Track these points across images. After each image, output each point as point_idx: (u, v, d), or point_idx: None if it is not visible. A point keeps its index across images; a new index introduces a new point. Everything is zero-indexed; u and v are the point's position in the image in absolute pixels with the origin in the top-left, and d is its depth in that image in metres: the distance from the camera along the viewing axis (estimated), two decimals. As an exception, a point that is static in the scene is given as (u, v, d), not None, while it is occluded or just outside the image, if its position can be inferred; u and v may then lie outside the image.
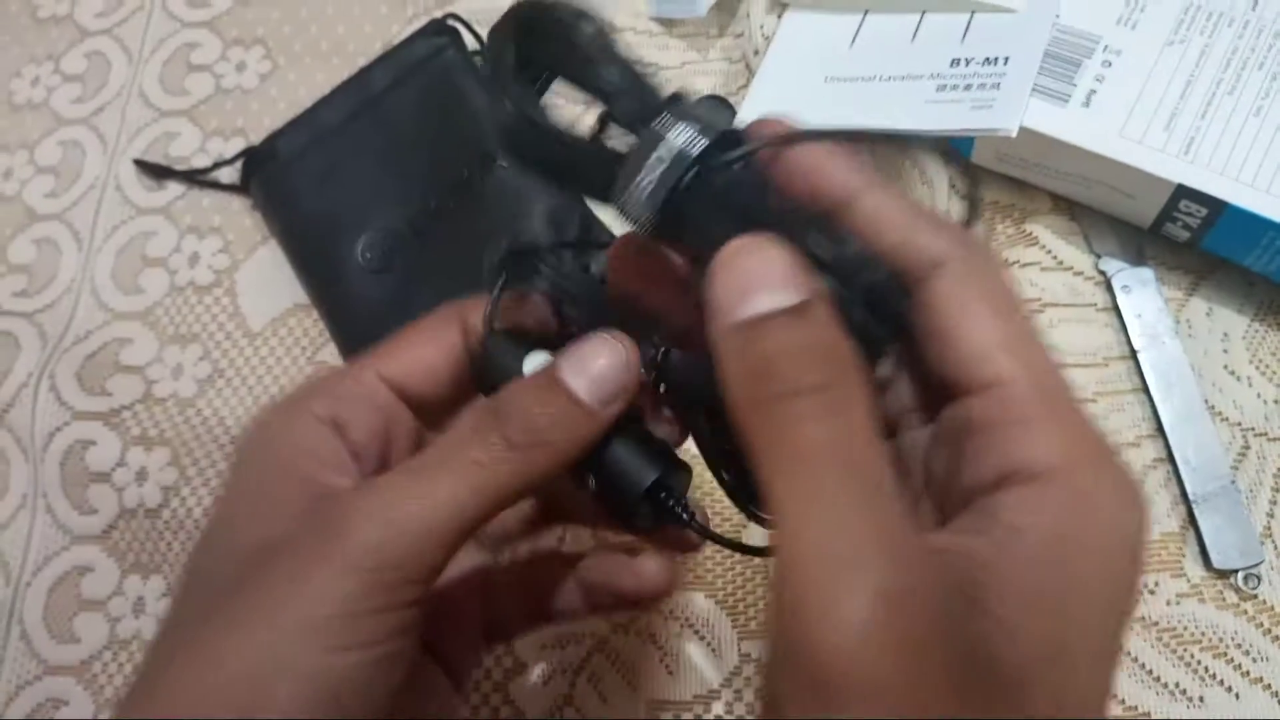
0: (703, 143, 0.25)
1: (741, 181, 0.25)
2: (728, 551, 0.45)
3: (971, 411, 0.23)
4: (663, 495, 0.28)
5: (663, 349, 0.28)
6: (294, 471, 0.28)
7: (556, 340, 0.29)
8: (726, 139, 0.25)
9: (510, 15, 0.27)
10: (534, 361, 0.29)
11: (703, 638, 0.44)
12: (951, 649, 0.19)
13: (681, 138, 0.25)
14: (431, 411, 0.31)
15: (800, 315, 0.21)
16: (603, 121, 0.27)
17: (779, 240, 0.22)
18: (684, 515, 0.28)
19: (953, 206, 0.48)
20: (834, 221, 0.24)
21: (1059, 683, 0.20)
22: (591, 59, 0.26)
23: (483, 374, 0.30)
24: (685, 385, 0.28)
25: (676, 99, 0.26)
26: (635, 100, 0.26)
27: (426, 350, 0.31)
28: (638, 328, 0.28)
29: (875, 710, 0.18)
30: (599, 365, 0.27)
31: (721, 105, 0.27)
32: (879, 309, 0.23)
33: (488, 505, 0.26)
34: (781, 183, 0.25)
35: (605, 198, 0.26)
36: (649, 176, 0.25)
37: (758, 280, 0.22)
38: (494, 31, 0.27)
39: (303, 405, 0.29)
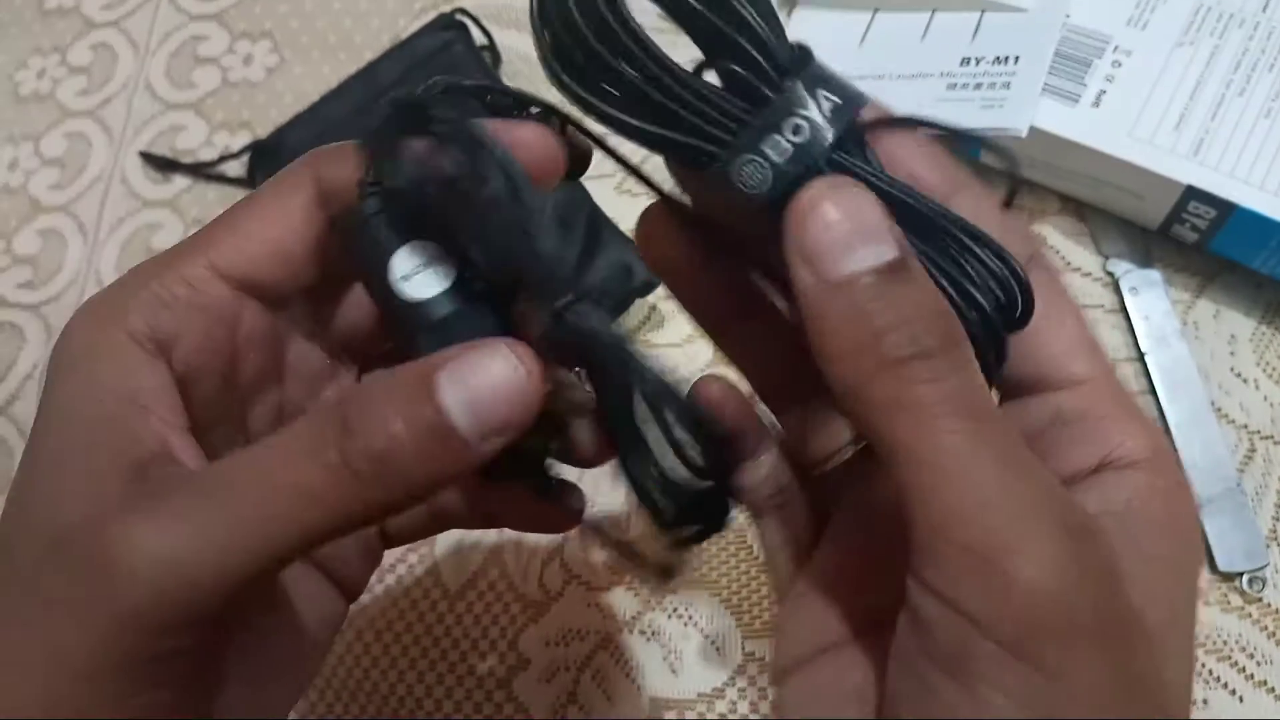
0: (841, 123, 0.21)
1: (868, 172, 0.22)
2: (732, 551, 0.45)
3: (1063, 404, 0.24)
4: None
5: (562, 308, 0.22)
6: (102, 428, 0.22)
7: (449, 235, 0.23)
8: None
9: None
10: (409, 262, 0.23)
11: (707, 636, 0.44)
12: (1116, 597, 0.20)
13: (818, 114, 0.21)
14: (294, 305, 0.26)
15: (903, 272, 0.20)
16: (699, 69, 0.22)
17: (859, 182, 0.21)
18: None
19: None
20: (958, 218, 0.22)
21: (1177, 647, 0.21)
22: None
23: (356, 257, 0.24)
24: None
25: (807, 55, 0.22)
26: (762, 48, 0.22)
27: (273, 226, 0.24)
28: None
29: (1079, 645, 0.19)
30: (488, 383, 0.21)
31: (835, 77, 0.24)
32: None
33: (307, 542, 0.21)
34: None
35: (694, 158, 0.22)
36: (776, 152, 0.21)
37: (854, 231, 0.20)
38: None
39: (113, 321, 0.23)
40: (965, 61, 0.45)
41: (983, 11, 0.47)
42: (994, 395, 0.25)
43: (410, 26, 0.58)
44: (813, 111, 0.21)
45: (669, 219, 0.26)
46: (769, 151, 0.21)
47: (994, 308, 0.22)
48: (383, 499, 0.21)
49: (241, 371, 0.25)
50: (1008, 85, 0.44)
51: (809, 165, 0.21)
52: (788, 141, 0.21)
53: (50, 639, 0.21)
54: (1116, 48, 0.45)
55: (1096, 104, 0.44)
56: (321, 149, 0.25)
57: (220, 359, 0.25)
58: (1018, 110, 0.43)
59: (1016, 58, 0.44)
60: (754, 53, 0.21)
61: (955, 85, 0.45)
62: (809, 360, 0.23)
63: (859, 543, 0.26)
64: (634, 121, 0.22)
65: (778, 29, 0.22)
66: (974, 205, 0.23)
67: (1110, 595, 0.20)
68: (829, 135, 0.21)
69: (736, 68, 0.21)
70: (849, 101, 0.22)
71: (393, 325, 0.24)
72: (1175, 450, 0.43)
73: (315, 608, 0.29)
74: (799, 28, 0.50)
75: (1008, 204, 0.24)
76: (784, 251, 0.21)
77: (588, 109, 0.22)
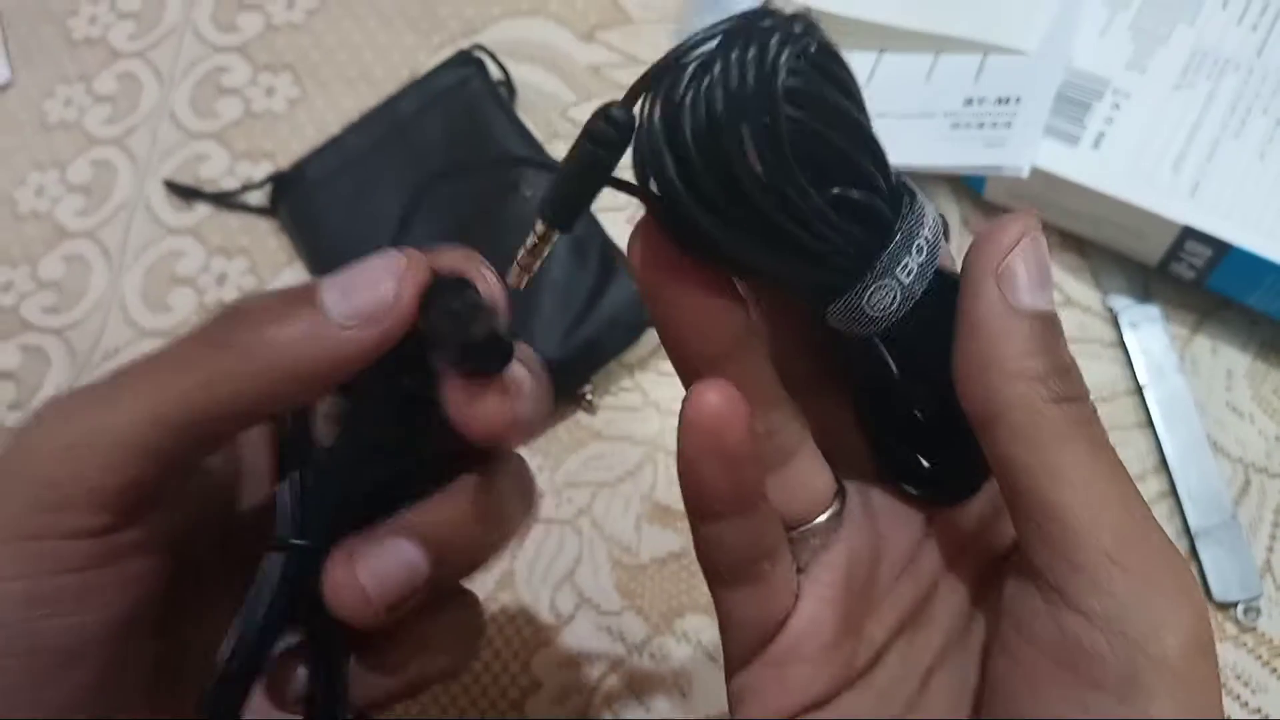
0: (941, 234, 0.23)
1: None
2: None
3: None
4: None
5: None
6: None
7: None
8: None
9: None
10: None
11: (714, 660, 0.45)
12: None
13: (929, 231, 0.22)
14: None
15: (1059, 325, 0.23)
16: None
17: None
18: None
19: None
20: None
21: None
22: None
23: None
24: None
25: (900, 174, 0.22)
26: (884, 170, 0.22)
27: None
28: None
29: (1210, 663, 0.21)
30: (361, 275, 0.24)
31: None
32: None
33: (179, 422, 0.23)
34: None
35: (818, 290, 0.22)
36: (905, 274, 0.22)
37: (1042, 272, 0.22)
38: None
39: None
40: (969, 102, 0.47)
41: (986, 54, 0.48)
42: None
43: (429, 61, 0.59)
44: (927, 231, 0.22)
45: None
46: (900, 275, 0.22)
47: None
48: (251, 373, 0.23)
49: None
50: (1009, 125, 0.45)
51: (930, 280, 0.22)
52: (914, 263, 0.22)
53: None
54: (1116, 90, 0.47)
55: (1096, 145, 0.46)
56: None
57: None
58: (1019, 150, 0.44)
59: (1018, 99, 0.46)
60: (881, 182, 0.21)
61: (959, 124, 0.46)
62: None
63: (836, 607, 0.26)
64: (755, 256, 0.21)
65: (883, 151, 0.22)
66: None
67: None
68: (940, 247, 0.22)
69: (856, 194, 0.21)
70: (938, 213, 0.23)
71: None
72: (1173, 482, 0.44)
73: None
74: (807, 67, 0.52)
75: None
76: (971, 268, 0.22)
77: (700, 236, 0.20)
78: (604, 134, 0.20)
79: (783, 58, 0.19)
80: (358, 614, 0.25)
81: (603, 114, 0.20)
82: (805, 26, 0.20)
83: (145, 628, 0.25)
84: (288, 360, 0.23)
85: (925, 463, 0.26)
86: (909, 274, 0.22)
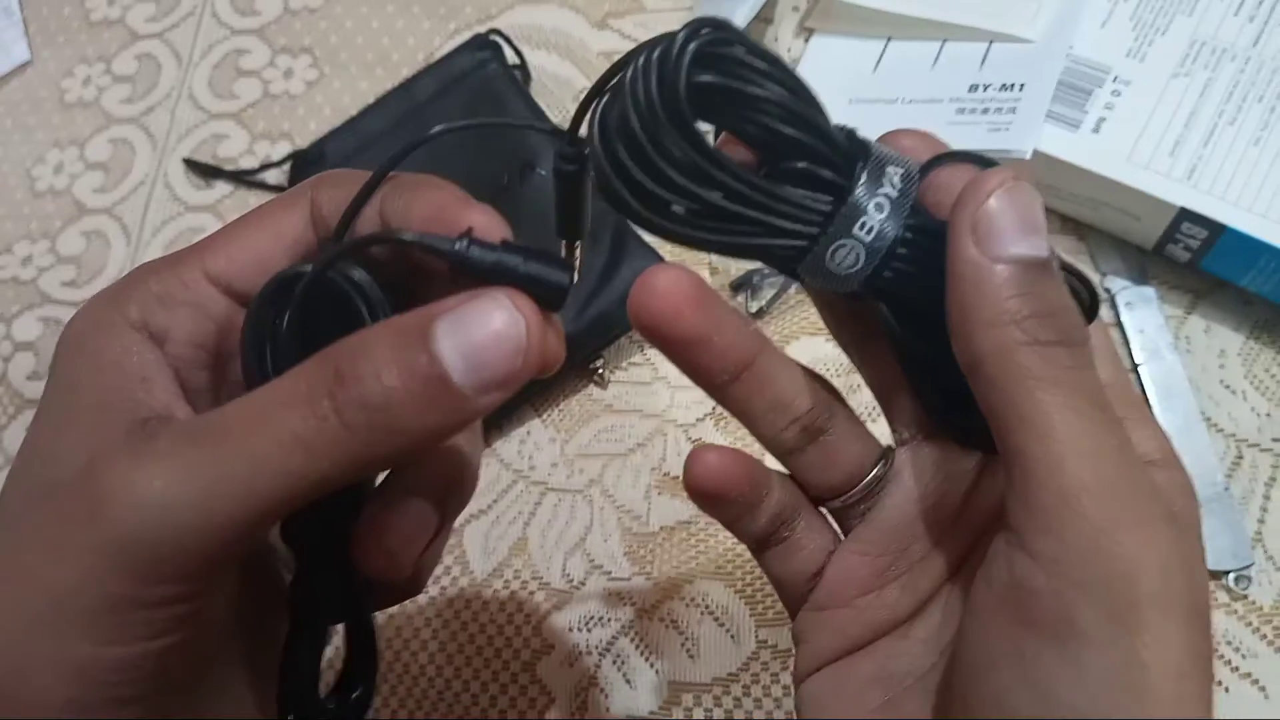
0: (911, 191, 0.23)
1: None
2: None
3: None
4: None
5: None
6: (102, 392, 0.23)
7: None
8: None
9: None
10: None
11: (722, 624, 0.46)
12: None
13: (891, 188, 0.23)
14: None
15: (1051, 270, 0.22)
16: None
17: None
18: None
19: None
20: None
21: None
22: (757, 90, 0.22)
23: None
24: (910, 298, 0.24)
25: (857, 137, 0.24)
26: (829, 142, 0.23)
27: (263, 241, 0.25)
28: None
29: (1172, 620, 0.21)
30: (488, 336, 0.21)
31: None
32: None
33: (297, 494, 0.21)
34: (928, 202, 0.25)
35: (784, 257, 0.24)
36: (865, 232, 0.23)
37: (1022, 220, 0.22)
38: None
39: (113, 306, 0.24)
40: (973, 88, 0.48)
41: (991, 42, 0.50)
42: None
43: (445, 45, 0.61)
44: (888, 187, 0.23)
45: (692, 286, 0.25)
46: (859, 234, 0.23)
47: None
48: (375, 450, 0.21)
49: (230, 370, 0.25)
50: (1013, 110, 0.47)
51: (896, 236, 0.23)
52: (874, 221, 0.23)
53: (35, 577, 0.20)
54: (1116, 78, 0.48)
55: (1096, 130, 0.47)
56: (325, 174, 0.26)
57: (207, 354, 0.25)
58: (1023, 134, 0.46)
59: (1022, 85, 0.47)
60: (824, 148, 0.23)
61: (964, 110, 0.48)
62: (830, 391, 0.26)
63: (869, 559, 0.28)
64: (721, 238, 0.23)
65: (828, 118, 0.23)
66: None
67: (1197, 579, 0.22)
68: (906, 204, 0.23)
69: (804, 164, 0.23)
70: (909, 169, 0.24)
71: None
72: (1167, 456, 0.46)
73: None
74: (817, 54, 0.53)
75: None
76: (952, 221, 0.22)
77: (667, 235, 0.23)
78: (564, 167, 0.24)
79: (685, 58, 0.21)
80: (388, 574, 0.26)
81: (558, 153, 0.24)
82: (712, 27, 0.22)
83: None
84: (420, 442, 0.21)
85: (956, 411, 0.26)
86: (869, 231, 0.23)
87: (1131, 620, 0.20)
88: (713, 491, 0.27)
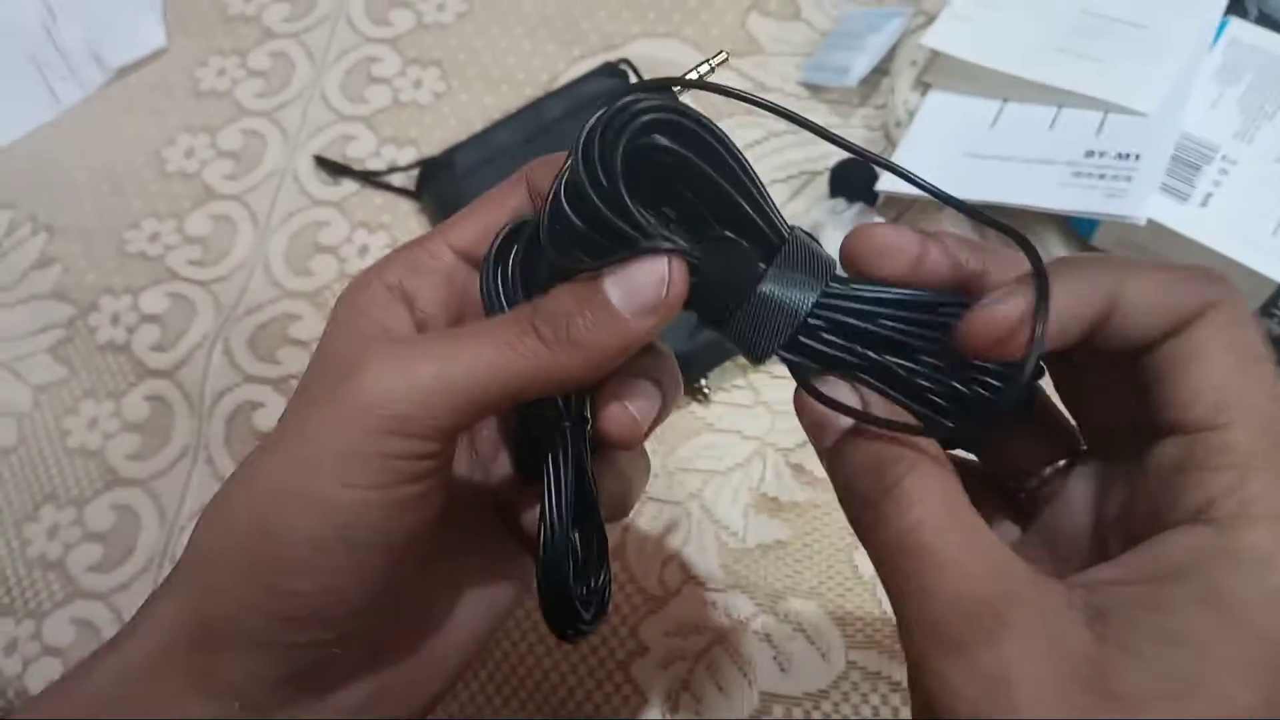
0: (827, 274, 0.27)
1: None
2: (837, 569, 0.49)
3: (1178, 451, 0.24)
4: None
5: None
6: (362, 339, 0.30)
7: None
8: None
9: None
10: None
11: (813, 643, 0.48)
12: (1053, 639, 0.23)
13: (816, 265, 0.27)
14: None
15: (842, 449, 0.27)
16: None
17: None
18: None
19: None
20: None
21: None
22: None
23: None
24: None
25: (795, 233, 0.28)
26: (769, 222, 0.27)
27: (494, 214, 0.31)
28: None
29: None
30: (638, 271, 0.27)
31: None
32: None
33: (505, 389, 0.27)
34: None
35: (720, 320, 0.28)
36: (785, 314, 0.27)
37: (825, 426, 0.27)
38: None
39: (375, 274, 0.31)
40: (1090, 154, 0.51)
41: (1106, 111, 0.52)
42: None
43: (568, 70, 0.64)
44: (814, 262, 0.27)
45: None
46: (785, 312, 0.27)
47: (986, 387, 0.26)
48: (561, 359, 0.27)
49: (465, 324, 0.31)
50: (1129, 179, 0.49)
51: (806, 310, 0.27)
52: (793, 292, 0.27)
53: (305, 431, 0.27)
54: (1224, 156, 0.51)
55: (1204, 204, 0.50)
56: (538, 159, 0.31)
57: (448, 312, 0.31)
58: (1138, 202, 0.48)
59: (1138, 155, 0.50)
60: (761, 224, 0.27)
61: (1080, 174, 0.50)
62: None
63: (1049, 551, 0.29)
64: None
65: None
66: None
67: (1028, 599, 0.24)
68: (821, 282, 0.27)
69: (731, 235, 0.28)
70: (827, 261, 0.28)
71: None
72: None
73: (486, 595, 0.33)
74: (934, 108, 0.56)
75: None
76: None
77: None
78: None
79: (623, 137, 0.26)
80: (627, 432, 0.30)
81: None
82: (651, 101, 0.26)
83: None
84: (595, 355, 0.27)
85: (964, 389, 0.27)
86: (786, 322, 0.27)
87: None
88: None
